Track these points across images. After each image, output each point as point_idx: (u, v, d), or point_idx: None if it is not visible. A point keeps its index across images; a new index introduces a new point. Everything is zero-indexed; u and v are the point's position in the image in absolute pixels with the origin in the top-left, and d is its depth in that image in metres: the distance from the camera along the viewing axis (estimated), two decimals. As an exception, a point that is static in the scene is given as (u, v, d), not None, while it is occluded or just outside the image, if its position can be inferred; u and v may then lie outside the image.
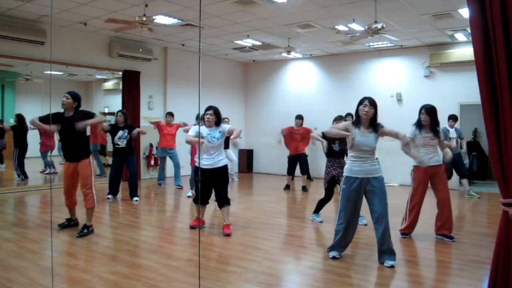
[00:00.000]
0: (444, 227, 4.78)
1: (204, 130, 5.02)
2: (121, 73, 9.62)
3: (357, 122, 3.97)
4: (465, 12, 6.81)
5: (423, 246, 4.59)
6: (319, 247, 4.87)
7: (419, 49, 9.67)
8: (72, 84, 10.53)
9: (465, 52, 8.85)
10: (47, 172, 9.31)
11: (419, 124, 4.82)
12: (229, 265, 3.94)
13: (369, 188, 3.91)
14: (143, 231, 5.38)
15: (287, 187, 8.88)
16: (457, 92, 9.06)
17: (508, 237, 2.21)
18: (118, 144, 6.97)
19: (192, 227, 5.30)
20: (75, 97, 4.80)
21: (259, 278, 3.61)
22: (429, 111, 4.73)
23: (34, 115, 9.03)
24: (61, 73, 9.49)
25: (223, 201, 5.08)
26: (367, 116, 3.89)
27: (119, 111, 7.18)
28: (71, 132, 4.67)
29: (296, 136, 8.46)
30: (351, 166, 3.96)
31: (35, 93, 9.22)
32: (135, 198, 7.16)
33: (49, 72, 8.19)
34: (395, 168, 9.23)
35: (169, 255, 4.33)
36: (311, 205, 7.35)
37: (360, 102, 3.95)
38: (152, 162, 10.26)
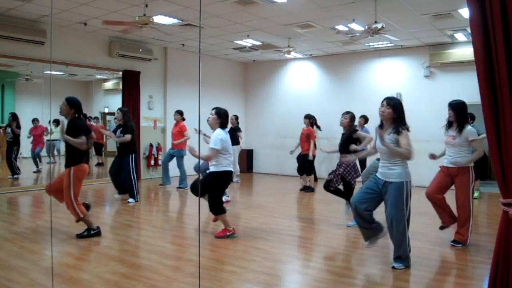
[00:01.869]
0: (458, 231, 4.57)
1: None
2: (121, 73, 9.62)
3: (380, 123, 3.83)
4: (465, 12, 6.81)
5: (423, 246, 4.58)
6: (319, 247, 4.87)
7: (419, 49, 9.67)
8: (72, 84, 10.55)
9: (465, 52, 8.85)
10: (40, 171, 9.35)
11: (448, 121, 4.54)
12: (229, 265, 3.94)
13: (385, 192, 3.75)
14: (143, 231, 5.38)
15: (305, 188, 8.58)
16: (457, 92, 9.02)
17: (508, 237, 2.21)
18: (116, 143, 6.99)
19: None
20: (72, 103, 4.62)
21: (259, 278, 3.61)
22: (454, 107, 4.43)
23: (34, 115, 9.14)
24: (61, 73, 9.49)
25: (211, 210, 4.85)
26: (382, 116, 3.74)
27: (118, 108, 7.14)
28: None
29: (302, 136, 8.49)
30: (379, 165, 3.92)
31: (35, 93, 9.23)
32: (128, 200, 6.97)
33: (49, 72, 8.20)
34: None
35: (169, 255, 4.33)
36: (311, 206, 7.36)
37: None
38: (152, 162, 10.27)
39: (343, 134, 5.60)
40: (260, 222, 5.78)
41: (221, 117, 4.83)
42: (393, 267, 3.78)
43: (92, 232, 4.75)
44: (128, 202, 6.95)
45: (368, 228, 3.89)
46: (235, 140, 9.38)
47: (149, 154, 10.24)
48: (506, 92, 2.06)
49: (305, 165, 8.56)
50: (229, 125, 9.12)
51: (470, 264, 4.03)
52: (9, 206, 6.85)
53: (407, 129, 3.69)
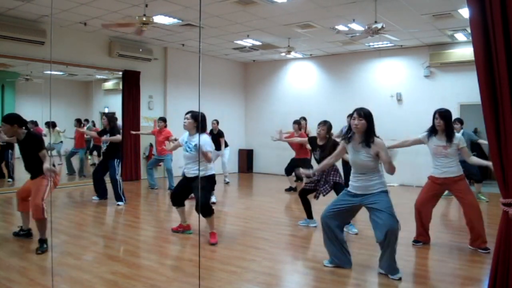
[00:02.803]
0: (478, 241, 4.37)
1: (185, 136, 4.87)
2: (121, 73, 9.62)
3: (349, 136, 3.68)
4: (465, 12, 6.81)
5: (423, 246, 4.58)
6: (319, 247, 4.87)
7: (419, 49, 9.67)
8: (72, 84, 10.54)
9: (465, 52, 8.85)
10: None
11: (432, 130, 4.46)
12: (229, 265, 3.93)
13: (369, 206, 3.62)
14: (143, 231, 5.38)
15: (290, 189, 8.68)
16: (457, 92, 9.06)
17: (508, 237, 2.21)
18: (102, 147, 7.07)
19: (174, 231, 5.10)
20: (11, 120, 4.32)
21: (259, 278, 3.61)
22: (443, 115, 4.35)
23: (34, 115, 9.11)
24: (61, 73, 9.49)
25: (201, 211, 4.64)
26: (357, 130, 3.57)
27: (104, 114, 7.17)
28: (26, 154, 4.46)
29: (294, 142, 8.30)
30: (350, 180, 3.75)
31: (35, 93, 9.21)
32: (117, 203, 6.83)
33: (49, 72, 8.19)
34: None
35: (169, 255, 4.33)
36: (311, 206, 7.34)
37: (350, 115, 3.64)
38: (152, 162, 10.26)
39: (322, 145, 5.23)
40: (260, 222, 5.78)
41: (197, 121, 4.74)
42: (399, 279, 3.57)
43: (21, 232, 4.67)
44: (118, 205, 6.79)
45: (328, 244, 3.84)
46: (216, 145, 9.22)
47: (149, 154, 10.24)
48: (506, 92, 2.06)
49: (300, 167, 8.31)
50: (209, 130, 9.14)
51: (470, 264, 4.02)
52: (9, 206, 6.84)
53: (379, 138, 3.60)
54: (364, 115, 3.56)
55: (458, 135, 4.43)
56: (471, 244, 4.46)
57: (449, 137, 4.36)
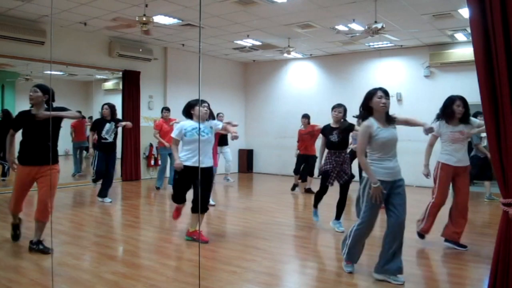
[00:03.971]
0: (458, 234, 4.40)
1: (190, 124, 4.66)
2: (121, 73, 9.62)
3: (367, 117, 3.49)
4: (465, 12, 6.81)
5: (423, 246, 4.58)
6: (319, 247, 4.88)
7: (419, 49, 9.67)
8: (72, 84, 10.55)
9: (465, 52, 8.85)
10: None
11: (441, 117, 4.38)
12: (229, 265, 3.93)
13: (392, 192, 3.43)
14: (143, 231, 5.37)
15: (294, 187, 8.62)
16: (457, 92, 8.85)
17: (508, 237, 2.21)
18: (106, 139, 6.72)
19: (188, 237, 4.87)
20: (46, 90, 4.09)
21: (259, 278, 3.61)
22: (466, 102, 4.28)
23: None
24: (61, 73, 9.49)
25: (203, 206, 4.73)
26: (384, 109, 3.43)
27: (105, 104, 6.89)
28: (42, 131, 4.03)
29: (304, 136, 8.19)
30: (376, 168, 3.41)
31: (35, 93, 9.21)
32: (106, 199, 6.80)
33: (49, 72, 8.19)
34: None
35: (169, 255, 4.33)
36: (311, 206, 7.34)
37: (372, 94, 3.44)
38: (152, 162, 10.26)
39: (337, 127, 5.18)
40: (260, 222, 5.78)
41: (210, 111, 4.79)
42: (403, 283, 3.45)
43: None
44: (110, 201, 6.80)
45: (360, 245, 3.70)
46: (222, 140, 9.06)
47: (149, 154, 10.24)
48: (506, 92, 2.06)
49: (312, 167, 8.13)
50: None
51: (470, 264, 4.02)
52: (8, 206, 6.83)
53: None
54: (389, 94, 3.52)
55: (473, 118, 4.36)
56: (449, 237, 4.43)
57: (467, 121, 4.30)
